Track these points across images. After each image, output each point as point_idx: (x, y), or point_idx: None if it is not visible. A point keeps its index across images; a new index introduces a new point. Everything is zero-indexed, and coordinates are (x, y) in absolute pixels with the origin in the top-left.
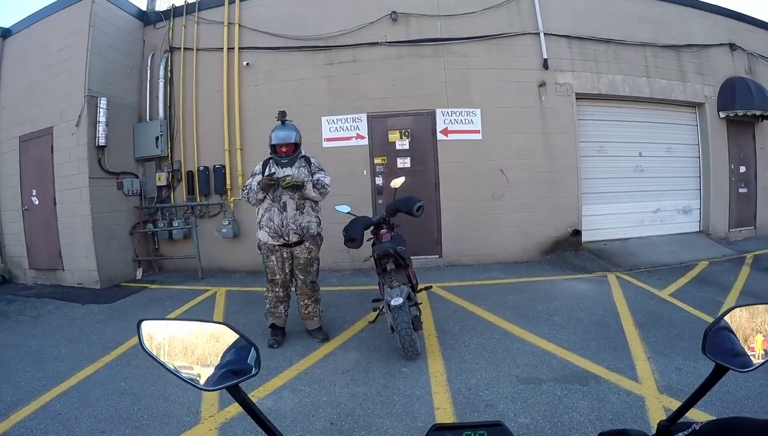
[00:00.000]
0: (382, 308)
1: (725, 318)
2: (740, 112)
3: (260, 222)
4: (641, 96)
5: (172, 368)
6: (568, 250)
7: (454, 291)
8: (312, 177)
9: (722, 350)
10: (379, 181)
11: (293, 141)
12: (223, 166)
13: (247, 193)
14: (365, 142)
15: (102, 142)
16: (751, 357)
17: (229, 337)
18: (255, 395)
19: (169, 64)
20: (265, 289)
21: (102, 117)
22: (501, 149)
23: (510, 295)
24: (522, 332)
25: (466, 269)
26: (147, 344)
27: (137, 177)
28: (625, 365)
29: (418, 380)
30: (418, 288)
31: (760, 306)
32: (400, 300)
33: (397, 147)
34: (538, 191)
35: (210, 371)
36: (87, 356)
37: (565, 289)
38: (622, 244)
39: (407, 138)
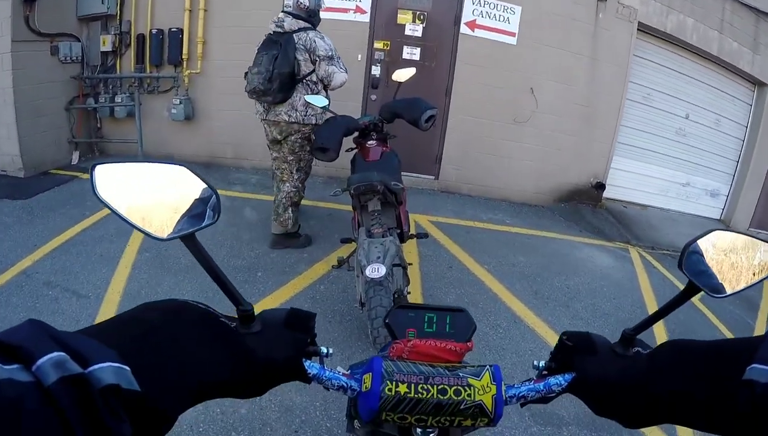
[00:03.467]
0: (349, 258)
1: (706, 238)
2: None
3: None
4: (708, 51)
5: (126, 216)
6: (585, 203)
7: (451, 232)
8: None
9: (698, 269)
10: (375, 70)
11: None
12: (181, 31)
13: None
14: (366, 18)
15: None
16: (725, 284)
17: (189, 181)
18: None
19: None
20: (299, 182)
21: None
22: (536, 63)
23: (520, 254)
24: (537, 323)
25: (465, 200)
26: (100, 190)
27: (78, 40)
28: None
29: None
30: (410, 234)
31: (743, 237)
32: (383, 271)
33: (407, 32)
34: (569, 126)
35: (165, 218)
36: None
37: (585, 259)
38: (642, 211)
39: (421, 23)
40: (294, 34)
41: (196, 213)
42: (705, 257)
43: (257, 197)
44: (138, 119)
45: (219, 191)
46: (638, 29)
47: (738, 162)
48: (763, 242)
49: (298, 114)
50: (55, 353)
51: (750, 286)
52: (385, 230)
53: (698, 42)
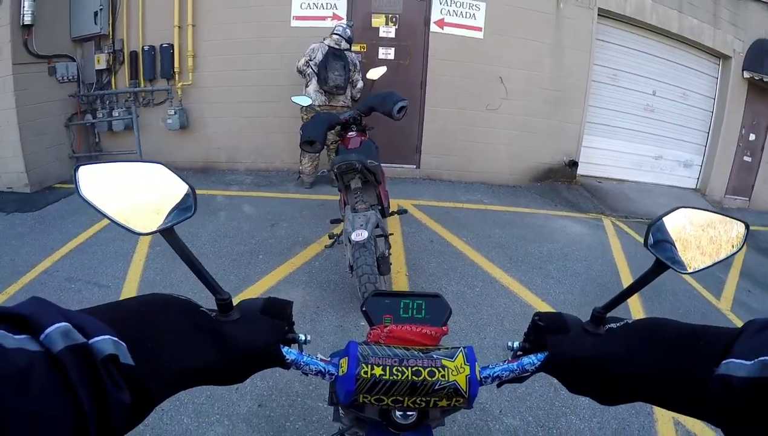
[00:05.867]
0: (340, 235)
1: (670, 215)
2: (766, 78)
3: None
4: (668, 30)
5: (109, 213)
6: (561, 181)
7: (432, 213)
8: None
9: (664, 247)
10: None
11: None
12: (172, 46)
13: None
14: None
15: (28, 20)
16: (691, 260)
17: (166, 178)
18: None
19: None
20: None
21: None
22: (503, 54)
23: (496, 227)
24: (511, 282)
25: (445, 185)
26: (84, 190)
27: (74, 60)
28: None
29: None
30: (390, 211)
31: (706, 214)
32: (365, 234)
33: (381, 34)
34: (539, 110)
35: (146, 214)
36: None
37: (558, 229)
38: (618, 185)
39: (394, 25)
40: (346, 52)
41: (174, 208)
42: (672, 234)
43: (254, 195)
44: (136, 130)
45: (218, 192)
46: (599, 14)
47: (708, 133)
48: (723, 216)
49: (349, 100)
50: (62, 323)
51: (720, 261)
52: (367, 206)
53: (658, 22)
